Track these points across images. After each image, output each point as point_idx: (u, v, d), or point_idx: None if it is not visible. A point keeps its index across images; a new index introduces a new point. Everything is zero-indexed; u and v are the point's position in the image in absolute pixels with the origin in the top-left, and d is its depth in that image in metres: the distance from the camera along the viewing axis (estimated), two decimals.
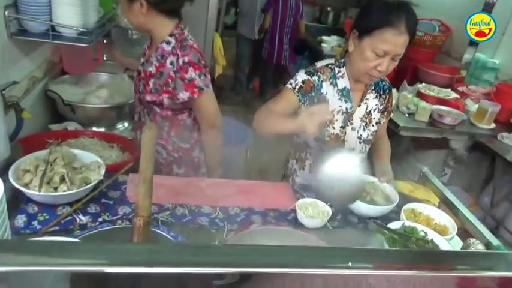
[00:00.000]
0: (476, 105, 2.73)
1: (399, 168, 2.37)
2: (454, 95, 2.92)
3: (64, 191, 1.12)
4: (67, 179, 1.14)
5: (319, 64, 1.51)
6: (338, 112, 1.49)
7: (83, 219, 1.14)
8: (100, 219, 1.14)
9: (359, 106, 1.52)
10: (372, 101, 1.54)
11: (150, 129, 1.06)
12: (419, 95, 2.86)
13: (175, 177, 1.47)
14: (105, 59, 2.03)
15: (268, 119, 1.39)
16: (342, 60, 1.48)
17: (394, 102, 2.74)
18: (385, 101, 1.57)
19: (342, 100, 1.49)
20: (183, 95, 1.49)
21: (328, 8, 5.44)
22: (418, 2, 4.39)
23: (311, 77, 1.45)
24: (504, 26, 3.07)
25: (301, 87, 1.44)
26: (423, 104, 2.67)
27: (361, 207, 1.31)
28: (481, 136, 2.60)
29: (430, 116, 2.61)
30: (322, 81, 1.46)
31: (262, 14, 4.39)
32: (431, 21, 3.78)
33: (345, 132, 1.52)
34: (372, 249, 0.62)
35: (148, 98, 1.54)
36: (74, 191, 1.12)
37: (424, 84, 3.01)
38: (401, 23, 1.29)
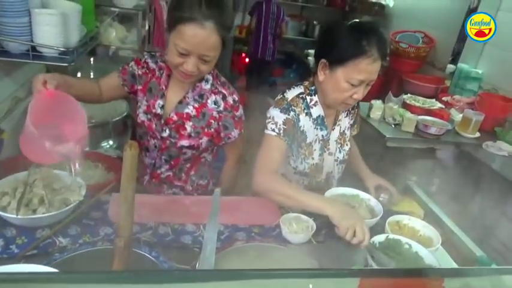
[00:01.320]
0: (461, 115, 2.77)
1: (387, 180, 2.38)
2: (438, 105, 2.96)
3: (43, 213, 1.10)
4: (46, 201, 1.12)
5: (290, 95, 1.43)
6: (315, 141, 1.47)
7: (62, 241, 1.11)
8: (80, 241, 1.12)
9: (333, 130, 1.50)
10: (344, 121, 1.53)
11: (131, 148, 1.05)
12: (405, 105, 2.90)
13: (159, 196, 1.46)
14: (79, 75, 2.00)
15: (281, 186, 1.29)
16: (313, 88, 1.43)
17: (379, 113, 2.82)
18: (354, 115, 1.58)
19: (317, 129, 1.46)
20: (234, 133, 1.46)
21: (314, 22, 5.52)
22: (401, 14, 4.50)
23: (289, 115, 1.39)
24: None
25: (285, 129, 1.38)
26: (408, 114, 2.70)
27: None
28: (466, 145, 2.63)
29: (416, 127, 2.64)
30: (298, 115, 1.41)
31: (249, 16, 5.27)
32: (415, 33, 3.86)
33: (323, 159, 1.51)
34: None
35: (185, 143, 1.43)
36: (53, 213, 1.10)
37: (409, 95, 3.05)
38: (374, 50, 1.27)
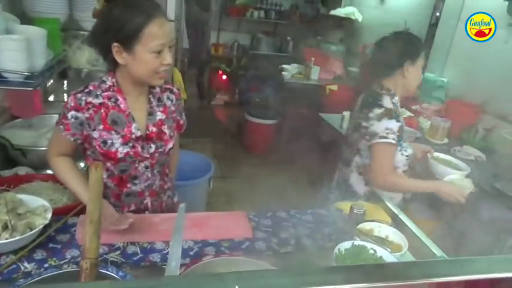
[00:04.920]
0: (429, 122, 2.86)
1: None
2: (408, 113, 3.05)
3: (6, 239, 1.09)
4: (10, 226, 1.11)
5: (388, 105, 1.71)
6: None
7: (27, 266, 1.10)
8: (46, 265, 1.11)
9: None
10: None
11: (97, 169, 1.06)
12: None
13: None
14: (52, 99, 2.00)
15: (404, 182, 1.77)
16: (392, 91, 1.76)
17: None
18: None
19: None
20: (184, 117, 1.58)
21: (288, 38, 5.64)
22: (370, 28, 4.65)
23: (399, 121, 1.69)
24: (448, 46, 3.28)
25: (398, 135, 1.68)
26: None
27: None
28: (435, 152, 2.70)
29: None
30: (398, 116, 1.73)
31: None
32: None
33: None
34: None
35: (170, 144, 1.46)
36: (17, 238, 1.09)
37: None
38: None
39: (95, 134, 1.34)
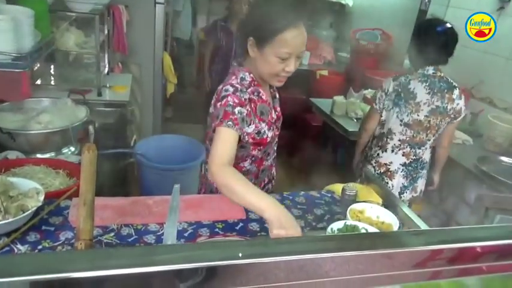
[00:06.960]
0: None
1: (351, 171, 2.46)
2: None
3: None
4: (2, 208, 1.10)
5: None
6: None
7: (21, 248, 1.10)
8: (40, 247, 1.11)
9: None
10: None
11: (90, 150, 1.06)
12: (366, 100, 3.00)
13: (121, 198, 1.45)
14: (39, 83, 1.97)
15: None
16: None
17: (342, 109, 2.90)
18: None
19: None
20: None
21: None
22: (360, 13, 4.64)
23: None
24: None
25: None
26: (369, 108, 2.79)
27: None
28: None
29: None
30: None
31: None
32: (374, 31, 3.99)
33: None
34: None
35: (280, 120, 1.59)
36: (9, 220, 1.08)
37: (369, 90, 3.16)
38: None
39: (250, 129, 1.38)
